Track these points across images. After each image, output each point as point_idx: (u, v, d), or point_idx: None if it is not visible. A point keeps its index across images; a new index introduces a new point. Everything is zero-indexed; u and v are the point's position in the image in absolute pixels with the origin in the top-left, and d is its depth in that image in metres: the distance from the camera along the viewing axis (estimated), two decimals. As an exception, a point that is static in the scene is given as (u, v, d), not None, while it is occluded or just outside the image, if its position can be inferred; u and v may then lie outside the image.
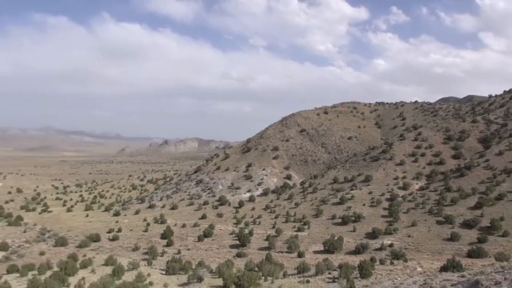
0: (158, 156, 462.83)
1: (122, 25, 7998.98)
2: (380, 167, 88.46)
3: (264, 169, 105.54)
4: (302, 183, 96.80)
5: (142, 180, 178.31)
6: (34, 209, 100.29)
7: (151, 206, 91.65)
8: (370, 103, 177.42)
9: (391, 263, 39.02)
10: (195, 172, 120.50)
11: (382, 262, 39.67)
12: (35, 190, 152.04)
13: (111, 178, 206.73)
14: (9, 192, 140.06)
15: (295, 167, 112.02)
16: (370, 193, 75.15)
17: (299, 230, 59.51)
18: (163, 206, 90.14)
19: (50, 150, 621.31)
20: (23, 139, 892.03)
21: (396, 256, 41.46)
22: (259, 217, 71.24)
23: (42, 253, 51.77)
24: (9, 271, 40.49)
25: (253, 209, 79.44)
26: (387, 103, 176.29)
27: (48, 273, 36.16)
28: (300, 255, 46.17)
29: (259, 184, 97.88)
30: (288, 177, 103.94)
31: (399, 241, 50.56)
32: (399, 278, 25.05)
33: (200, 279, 32.43)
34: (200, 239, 57.49)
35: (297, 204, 77.04)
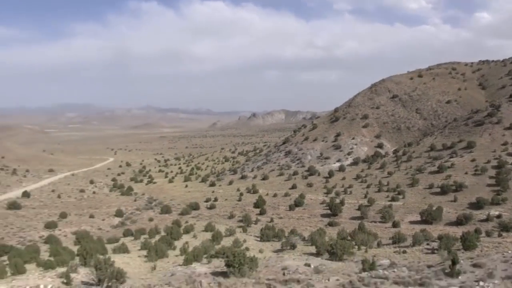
0: (247, 129, 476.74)
1: (207, 4, 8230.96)
2: (485, 132, 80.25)
3: (353, 138, 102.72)
4: (395, 152, 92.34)
5: (233, 152, 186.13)
6: (141, 181, 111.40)
7: (243, 177, 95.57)
8: (471, 63, 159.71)
9: (499, 236, 35.79)
10: (284, 143, 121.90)
11: (488, 234, 36.60)
12: (141, 164, 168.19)
13: (205, 151, 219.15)
14: (120, 166, 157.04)
15: (386, 135, 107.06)
16: (473, 160, 68.93)
17: (393, 199, 57.41)
18: (255, 177, 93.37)
19: (151, 127, 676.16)
20: (127, 118, 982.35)
21: (505, 228, 37.85)
22: (350, 186, 70.15)
23: (150, 219, 57.59)
24: (125, 235, 45.98)
25: (343, 178, 78.38)
26: (492, 61, 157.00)
27: (157, 237, 40.19)
28: (395, 225, 44.69)
29: (348, 154, 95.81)
30: (380, 146, 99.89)
31: (508, 212, 46.03)
32: (509, 251, 22.99)
33: (293, 246, 33.35)
34: (291, 208, 58.72)
35: (390, 173, 74.01)
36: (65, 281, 21.25)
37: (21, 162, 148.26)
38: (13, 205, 64.00)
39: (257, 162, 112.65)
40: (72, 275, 22.11)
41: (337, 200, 58.48)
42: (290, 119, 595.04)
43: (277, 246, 35.24)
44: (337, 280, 19.17)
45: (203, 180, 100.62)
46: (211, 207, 64.40)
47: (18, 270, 24.20)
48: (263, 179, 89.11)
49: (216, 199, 70.87)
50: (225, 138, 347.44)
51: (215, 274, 22.47)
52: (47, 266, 25.35)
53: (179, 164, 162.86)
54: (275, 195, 69.91)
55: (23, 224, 53.51)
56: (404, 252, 29.58)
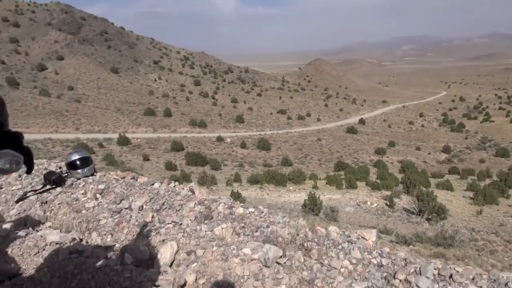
0: None
1: None
2: None
3: None
4: None
5: None
6: (475, 118, 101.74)
7: None
8: None
9: None
10: None
11: None
12: (477, 99, 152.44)
13: None
14: (452, 100, 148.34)
15: None
16: None
17: None
18: None
19: (495, 57, 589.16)
20: (467, 48, 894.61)
21: None
22: None
23: (481, 161, 52.56)
24: (450, 172, 44.35)
25: None
26: None
27: (487, 180, 36.34)
28: None
29: None
30: None
31: None
32: None
33: None
34: None
35: None
36: (388, 203, 23.13)
37: (359, 93, 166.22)
38: (351, 130, 73.83)
39: None
40: (395, 199, 23.69)
41: None
42: None
43: None
44: None
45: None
46: None
47: (351, 185, 28.31)
48: None
49: None
50: None
51: (561, 238, 18.32)
52: (374, 186, 28.29)
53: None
54: None
55: (357, 147, 61.07)
56: None
